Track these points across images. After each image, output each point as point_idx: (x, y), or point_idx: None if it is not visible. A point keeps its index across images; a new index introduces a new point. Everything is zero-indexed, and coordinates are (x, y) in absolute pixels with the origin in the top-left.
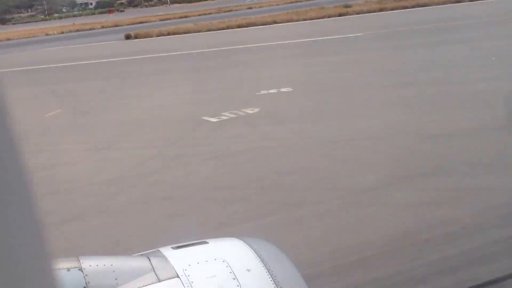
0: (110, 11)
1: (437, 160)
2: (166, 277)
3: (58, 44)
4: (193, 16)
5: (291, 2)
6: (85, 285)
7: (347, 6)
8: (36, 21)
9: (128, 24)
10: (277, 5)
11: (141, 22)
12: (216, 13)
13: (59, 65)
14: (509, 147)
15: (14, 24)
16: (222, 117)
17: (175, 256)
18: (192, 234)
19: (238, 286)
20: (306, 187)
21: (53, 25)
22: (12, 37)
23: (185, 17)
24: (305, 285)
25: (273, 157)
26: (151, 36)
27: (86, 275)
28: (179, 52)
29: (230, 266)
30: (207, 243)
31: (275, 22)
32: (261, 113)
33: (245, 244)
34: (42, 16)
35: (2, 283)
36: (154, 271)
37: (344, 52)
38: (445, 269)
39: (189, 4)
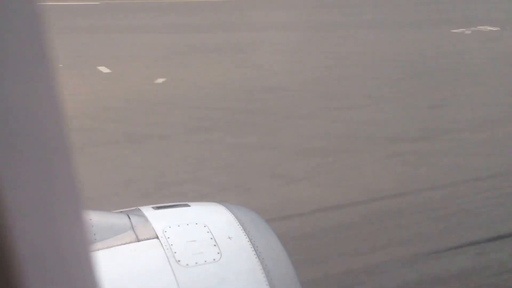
0: None
1: None
2: (145, 237)
3: None
4: None
5: None
6: None
7: None
8: None
9: None
10: None
11: None
12: None
13: None
14: None
15: None
16: None
17: (155, 217)
18: None
19: (218, 253)
20: None
21: None
22: None
23: None
24: (286, 255)
25: None
26: None
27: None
28: None
29: (211, 232)
30: (189, 206)
31: None
32: None
33: (228, 210)
34: None
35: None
36: (133, 230)
37: None
38: None
39: None
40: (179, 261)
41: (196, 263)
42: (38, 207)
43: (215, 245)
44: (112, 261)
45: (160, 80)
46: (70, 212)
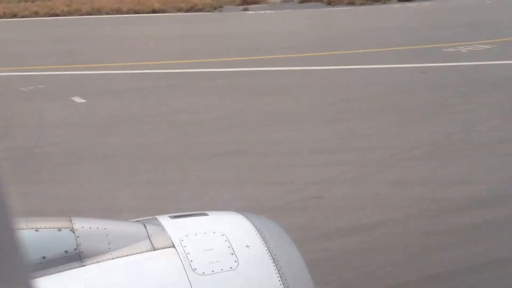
0: None
1: None
2: (161, 246)
3: None
4: None
5: None
6: (76, 247)
7: None
8: None
9: None
10: None
11: None
12: None
13: None
14: None
15: None
16: None
17: (172, 226)
18: None
19: (235, 261)
20: None
21: None
22: None
23: None
24: (305, 266)
25: None
26: None
27: (78, 236)
28: None
29: (228, 241)
30: (207, 215)
31: None
32: None
33: (246, 219)
34: None
35: None
36: (149, 238)
37: None
38: None
39: None
40: (195, 269)
41: (213, 271)
42: None
43: (232, 254)
44: (126, 270)
45: None
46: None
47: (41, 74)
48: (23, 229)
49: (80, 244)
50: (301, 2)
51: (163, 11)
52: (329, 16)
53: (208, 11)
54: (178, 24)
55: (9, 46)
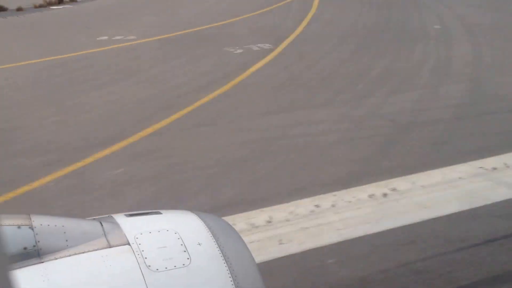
0: None
1: None
2: (117, 243)
3: None
4: None
5: None
6: (34, 243)
7: None
8: None
9: None
10: None
11: None
12: None
13: None
14: None
15: None
16: None
17: (127, 224)
18: None
19: (188, 258)
20: None
21: None
22: None
23: None
24: (254, 261)
25: None
26: None
27: (37, 233)
28: None
29: (181, 238)
30: (161, 213)
31: None
32: None
33: (198, 218)
34: None
35: None
36: (105, 236)
37: None
38: None
39: None
40: (149, 266)
41: (166, 268)
42: None
43: (185, 251)
44: (83, 267)
45: None
46: None
47: None
48: None
49: (38, 241)
50: None
51: None
52: None
53: None
54: None
55: None
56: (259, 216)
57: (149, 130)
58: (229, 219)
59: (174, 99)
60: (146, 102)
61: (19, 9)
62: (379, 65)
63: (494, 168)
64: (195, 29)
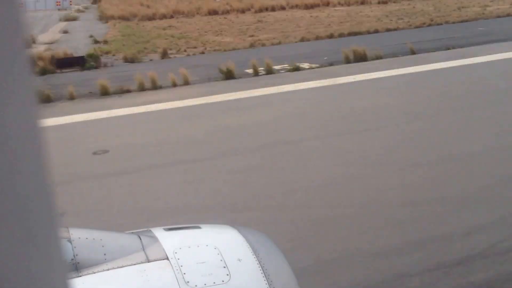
0: None
1: None
2: (155, 258)
3: None
4: None
5: None
6: (72, 257)
7: None
8: None
9: None
10: None
11: None
12: None
13: None
14: None
15: None
16: None
17: (166, 238)
18: None
19: (227, 274)
20: None
21: None
22: None
23: None
24: (295, 279)
25: None
26: None
27: (75, 247)
28: None
29: (221, 254)
30: (200, 228)
31: None
32: None
33: (238, 233)
34: None
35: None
36: (144, 250)
37: None
38: None
39: None
40: (188, 282)
41: (205, 284)
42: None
43: (224, 267)
44: (121, 281)
45: None
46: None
47: None
48: None
49: (77, 255)
50: None
51: None
52: None
53: None
54: None
55: None
56: None
57: None
58: None
59: None
60: None
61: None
62: None
63: None
64: None
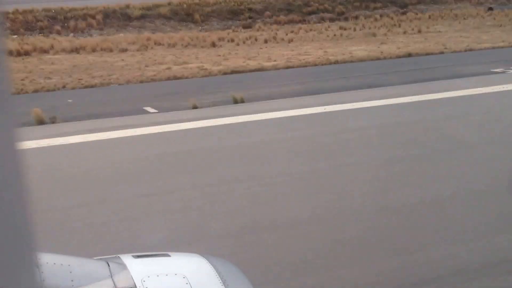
0: None
1: None
2: (123, 285)
3: None
4: None
5: None
6: (39, 283)
7: None
8: None
9: None
10: None
11: None
12: None
13: None
14: None
15: None
16: None
17: (135, 265)
18: None
19: None
20: None
21: None
22: None
23: None
24: None
25: None
26: None
27: (42, 272)
28: None
29: (189, 283)
30: (169, 256)
31: None
32: None
33: (207, 261)
34: None
35: None
36: (111, 277)
37: None
38: None
39: None
40: None
41: None
42: None
43: None
44: None
45: None
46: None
47: None
48: None
49: (43, 280)
50: None
51: None
52: None
53: None
54: None
55: None
56: None
57: None
58: None
59: None
60: None
61: None
62: None
63: None
64: None
